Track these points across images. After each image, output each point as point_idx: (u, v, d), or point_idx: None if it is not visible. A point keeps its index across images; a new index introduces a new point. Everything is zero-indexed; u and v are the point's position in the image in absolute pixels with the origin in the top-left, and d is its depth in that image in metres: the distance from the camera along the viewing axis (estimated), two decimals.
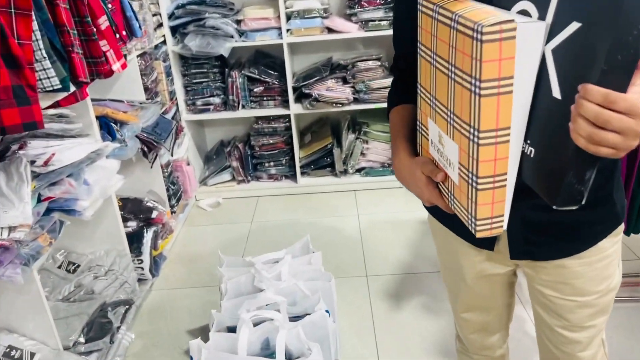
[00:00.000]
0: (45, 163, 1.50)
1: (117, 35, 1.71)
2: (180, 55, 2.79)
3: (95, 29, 1.53)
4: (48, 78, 1.32)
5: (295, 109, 2.86)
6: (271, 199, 3.00)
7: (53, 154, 1.53)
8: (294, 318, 1.57)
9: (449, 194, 0.75)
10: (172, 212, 2.56)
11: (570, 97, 0.58)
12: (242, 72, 2.82)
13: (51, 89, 1.36)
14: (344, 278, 2.20)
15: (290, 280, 1.67)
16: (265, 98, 2.89)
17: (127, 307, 1.88)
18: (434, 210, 1.03)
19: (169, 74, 2.67)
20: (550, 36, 0.61)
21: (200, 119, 3.00)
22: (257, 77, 2.81)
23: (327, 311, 1.57)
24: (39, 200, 1.51)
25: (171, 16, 2.70)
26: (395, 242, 2.46)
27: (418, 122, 0.82)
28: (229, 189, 3.04)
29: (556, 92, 0.61)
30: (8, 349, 1.48)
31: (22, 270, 1.34)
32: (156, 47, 2.56)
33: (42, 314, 1.52)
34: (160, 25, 2.64)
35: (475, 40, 0.58)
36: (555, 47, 0.60)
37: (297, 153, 2.98)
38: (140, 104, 2.19)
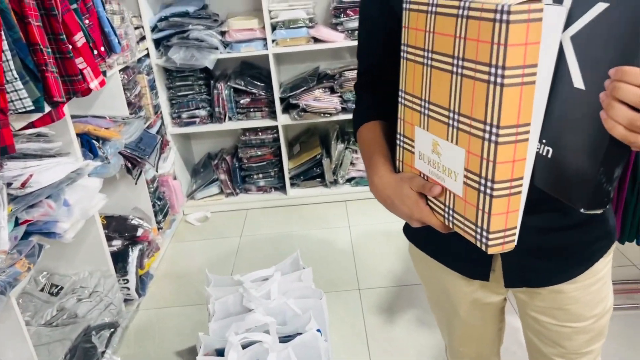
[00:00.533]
0: (23, 185, 1.46)
1: (95, 52, 1.66)
2: (165, 68, 2.75)
3: (70, 47, 1.48)
4: (20, 99, 1.27)
5: (282, 120, 2.82)
6: (261, 211, 2.95)
7: (31, 175, 1.48)
8: (285, 338, 1.52)
9: (447, 210, 0.68)
10: (158, 229, 2.51)
11: (597, 85, 0.54)
12: (228, 83, 2.77)
13: (24, 110, 1.31)
14: (335, 292, 2.16)
15: (280, 298, 1.62)
16: (252, 109, 2.85)
17: (112, 330, 1.83)
18: (416, 239, 0.97)
19: (153, 87, 2.63)
20: (568, 23, 0.57)
21: (187, 132, 2.95)
22: (244, 88, 2.77)
23: (318, 330, 1.52)
24: (17, 224, 1.46)
25: (154, 29, 2.65)
26: (387, 254, 2.42)
27: (399, 135, 0.75)
28: (218, 203, 2.99)
29: (578, 83, 0.56)
30: None
31: None
32: (139, 60, 2.52)
33: (22, 343, 1.46)
34: (143, 38, 2.59)
35: (500, 22, 0.54)
36: (575, 34, 0.56)
37: (286, 164, 2.93)
38: (123, 119, 2.15)
